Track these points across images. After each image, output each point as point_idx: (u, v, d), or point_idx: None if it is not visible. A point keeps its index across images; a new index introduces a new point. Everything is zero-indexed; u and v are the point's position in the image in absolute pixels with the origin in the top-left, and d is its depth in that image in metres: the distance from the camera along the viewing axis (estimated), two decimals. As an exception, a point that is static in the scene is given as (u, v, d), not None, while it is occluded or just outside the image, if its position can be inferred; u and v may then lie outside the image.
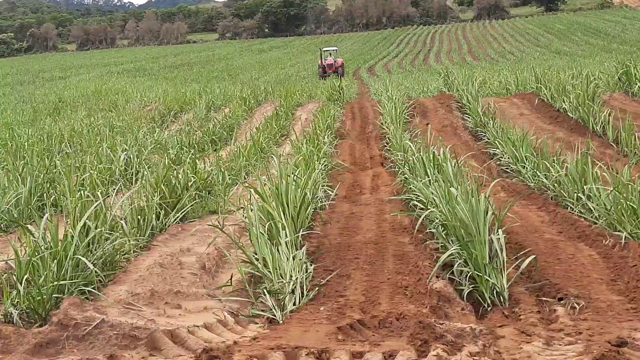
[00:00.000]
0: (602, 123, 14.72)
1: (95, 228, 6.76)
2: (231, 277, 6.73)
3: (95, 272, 6.18)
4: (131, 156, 13.52)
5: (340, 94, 26.84)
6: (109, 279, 6.67)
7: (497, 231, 6.51)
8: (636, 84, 18.20)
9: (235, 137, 19.19)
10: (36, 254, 5.93)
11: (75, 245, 6.12)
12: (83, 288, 6.06)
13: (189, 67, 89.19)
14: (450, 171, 7.96)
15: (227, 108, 26.98)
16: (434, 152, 10.20)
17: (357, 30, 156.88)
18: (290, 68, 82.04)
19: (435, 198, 7.89)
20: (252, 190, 7.60)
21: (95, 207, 6.80)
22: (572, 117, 16.45)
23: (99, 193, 7.57)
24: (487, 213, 6.61)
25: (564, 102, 17.36)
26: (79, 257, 6.08)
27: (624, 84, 19.05)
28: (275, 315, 5.92)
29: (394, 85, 30.45)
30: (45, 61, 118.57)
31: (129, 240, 7.42)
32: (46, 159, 13.02)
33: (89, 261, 6.17)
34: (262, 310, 6.10)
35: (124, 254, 7.31)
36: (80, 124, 23.34)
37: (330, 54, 63.93)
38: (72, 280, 6.02)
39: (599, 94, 17.05)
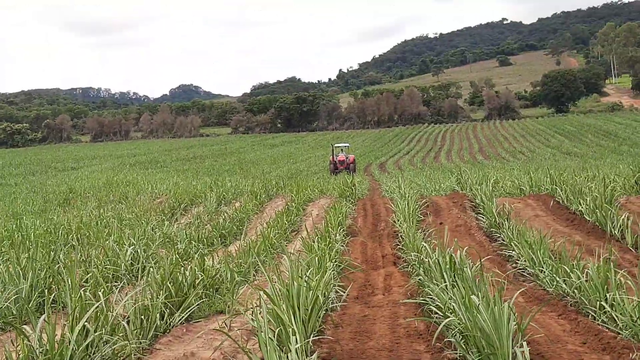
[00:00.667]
0: (620, 227, 14.38)
1: (96, 330, 6.39)
2: (237, 386, 6.33)
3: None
4: (138, 251, 13.21)
5: (352, 190, 26.65)
6: (107, 386, 6.27)
7: (521, 343, 6.12)
8: (654, 188, 17.91)
9: (245, 232, 18.90)
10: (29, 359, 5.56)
11: (72, 350, 5.74)
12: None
13: (201, 160, 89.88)
14: (470, 277, 7.57)
15: (238, 202, 26.76)
16: (451, 255, 9.85)
17: (368, 127, 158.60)
18: (301, 163, 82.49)
19: (453, 304, 7.52)
20: (261, 292, 7.22)
21: (95, 309, 6.44)
22: (588, 220, 16.12)
23: (100, 293, 7.20)
24: (509, 323, 6.24)
25: (580, 204, 17.05)
26: (76, 363, 5.71)
27: (641, 188, 18.75)
28: None
29: (406, 182, 30.29)
30: (58, 152, 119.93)
31: (130, 344, 7.03)
32: (51, 252, 12.71)
33: (86, 366, 5.81)
34: None
35: (125, 358, 6.92)
36: (90, 215, 23.16)
37: (342, 149, 64.30)
38: (66, 388, 5.64)
39: (616, 197, 16.74)
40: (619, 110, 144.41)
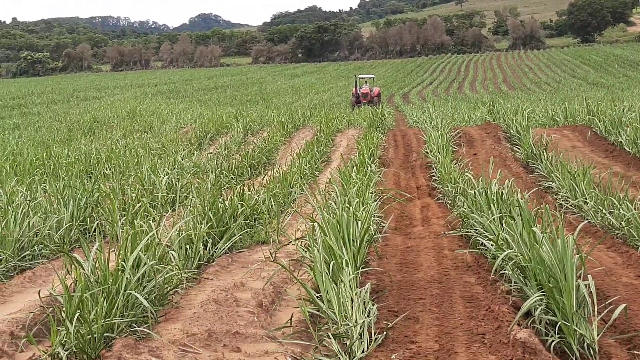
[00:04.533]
0: (664, 159, 14.08)
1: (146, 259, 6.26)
2: (291, 317, 6.22)
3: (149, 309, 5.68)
4: (172, 180, 13.09)
5: (382, 120, 26.38)
6: (160, 315, 6.17)
7: (586, 276, 5.95)
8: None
9: (278, 162, 18.75)
10: (87, 288, 5.44)
11: (128, 279, 5.63)
12: (134, 327, 5.57)
13: (223, 90, 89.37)
14: (525, 209, 7.35)
15: (264, 132, 26.59)
16: (499, 185, 9.64)
17: (390, 57, 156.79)
18: (323, 93, 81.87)
19: (507, 236, 7.32)
20: (315, 224, 7.04)
21: (148, 238, 6.30)
22: (629, 152, 15.79)
23: (151, 222, 7.07)
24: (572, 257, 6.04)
25: (619, 135, 16.72)
26: (133, 293, 5.59)
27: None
28: (342, 363, 5.39)
29: (437, 113, 29.94)
30: (79, 81, 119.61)
31: (180, 273, 6.92)
32: (86, 181, 12.61)
33: (141, 296, 5.69)
34: (327, 356, 5.57)
35: (173, 287, 6.82)
36: (117, 144, 23.07)
37: (366, 81, 60.41)
38: (122, 317, 5.53)
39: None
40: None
